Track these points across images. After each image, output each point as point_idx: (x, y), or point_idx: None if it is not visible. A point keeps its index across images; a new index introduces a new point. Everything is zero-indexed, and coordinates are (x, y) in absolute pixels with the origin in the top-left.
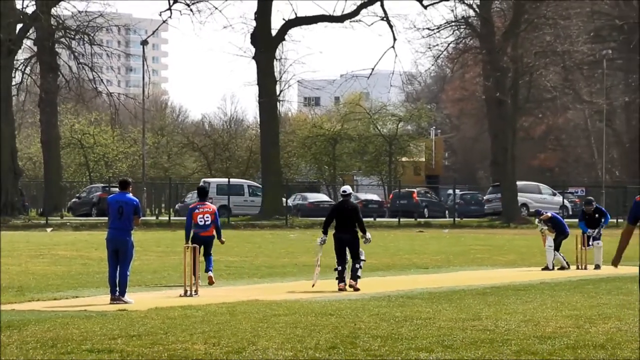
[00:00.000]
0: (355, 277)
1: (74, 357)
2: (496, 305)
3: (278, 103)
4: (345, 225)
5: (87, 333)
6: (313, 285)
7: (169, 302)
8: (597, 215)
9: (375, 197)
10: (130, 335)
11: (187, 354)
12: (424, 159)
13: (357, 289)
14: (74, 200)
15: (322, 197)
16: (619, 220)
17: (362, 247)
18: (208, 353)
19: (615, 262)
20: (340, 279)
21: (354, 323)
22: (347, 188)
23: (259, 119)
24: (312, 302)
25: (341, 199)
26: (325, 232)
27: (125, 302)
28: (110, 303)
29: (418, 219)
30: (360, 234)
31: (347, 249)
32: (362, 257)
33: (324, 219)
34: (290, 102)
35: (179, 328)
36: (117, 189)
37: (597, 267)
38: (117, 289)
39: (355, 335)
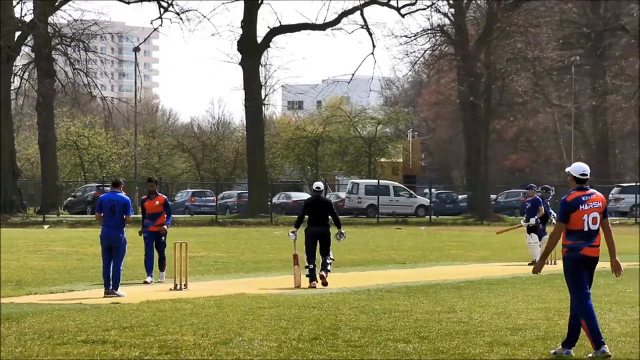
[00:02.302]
0: (325, 269)
1: (69, 347)
2: (470, 298)
3: (263, 107)
4: (319, 220)
5: (82, 325)
6: (298, 286)
7: (160, 296)
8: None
9: None
10: (123, 327)
11: (177, 344)
12: (401, 160)
13: (325, 283)
14: (69, 198)
15: (305, 195)
16: None
17: (331, 246)
18: (197, 344)
19: (539, 269)
20: (312, 277)
21: (335, 315)
22: (320, 184)
23: (245, 122)
24: (295, 295)
25: (314, 194)
26: (297, 227)
27: (118, 296)
28: (104, 296)
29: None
30: (335, 230)
31: (317, 244)
32: (331, 256)
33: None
34: (274, 106)
35: (169, 320)
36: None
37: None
38: (111, 283)
39: (336, 327)
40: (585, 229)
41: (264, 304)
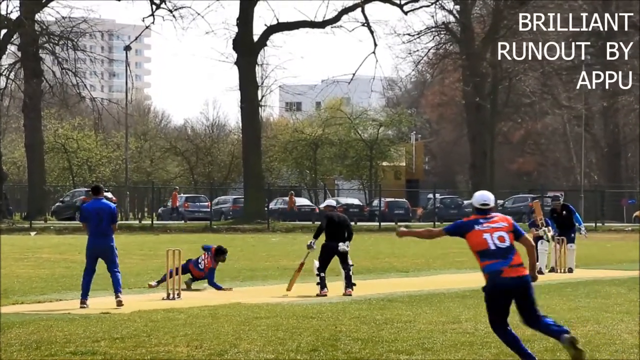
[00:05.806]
0: (350, 284)
1: (57, 359)
2: (475, 308)
3: (260, 108)
4: (338, 235)
5: (70, 335)
6: (289, 290)
7: (152, 305)
8: (564, 213)
9: (356, 202)
10: (113, 337)
11: (170, 356)
12: (404, 164)
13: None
14: (57, 204)
15: (303, 201)
16: (598, 224)
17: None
18: (190, 355)
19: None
20: (323, 284)
21: (335, 326)
22: (333, 201)
23: (240, 124)
24: (293, 305)
25: (330, 210)
26: (316, 237)
27: (121, 301)
28: (80, 307)
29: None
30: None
31: (335, 257)
32: (350, 263)
33: (304, 222)
34: (272, 107)
35: (161, 331)
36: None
37: (570, 270)
38: (88, 295)
39: (336, 338)
40: (492, 247)
41: (261, 314)
